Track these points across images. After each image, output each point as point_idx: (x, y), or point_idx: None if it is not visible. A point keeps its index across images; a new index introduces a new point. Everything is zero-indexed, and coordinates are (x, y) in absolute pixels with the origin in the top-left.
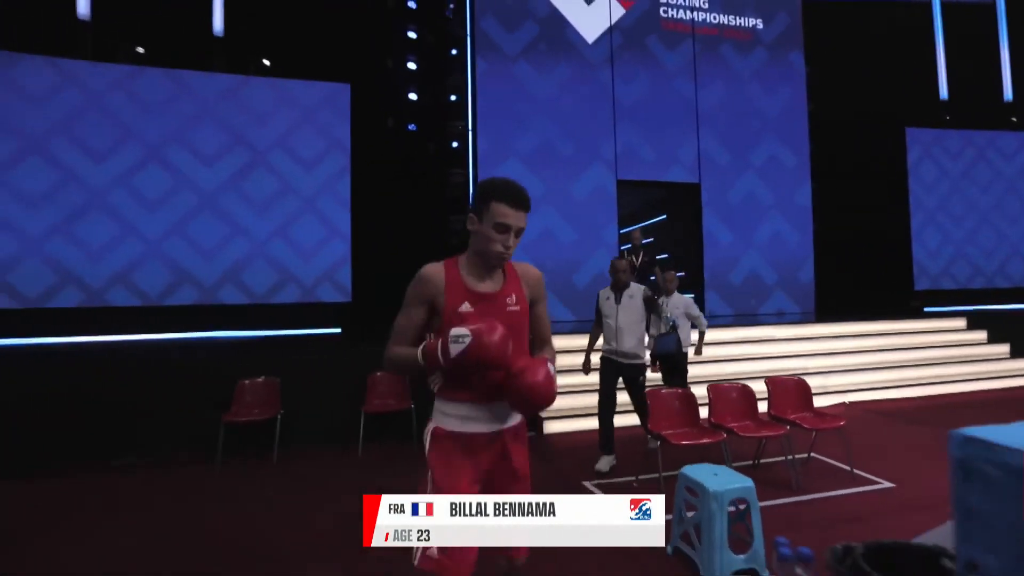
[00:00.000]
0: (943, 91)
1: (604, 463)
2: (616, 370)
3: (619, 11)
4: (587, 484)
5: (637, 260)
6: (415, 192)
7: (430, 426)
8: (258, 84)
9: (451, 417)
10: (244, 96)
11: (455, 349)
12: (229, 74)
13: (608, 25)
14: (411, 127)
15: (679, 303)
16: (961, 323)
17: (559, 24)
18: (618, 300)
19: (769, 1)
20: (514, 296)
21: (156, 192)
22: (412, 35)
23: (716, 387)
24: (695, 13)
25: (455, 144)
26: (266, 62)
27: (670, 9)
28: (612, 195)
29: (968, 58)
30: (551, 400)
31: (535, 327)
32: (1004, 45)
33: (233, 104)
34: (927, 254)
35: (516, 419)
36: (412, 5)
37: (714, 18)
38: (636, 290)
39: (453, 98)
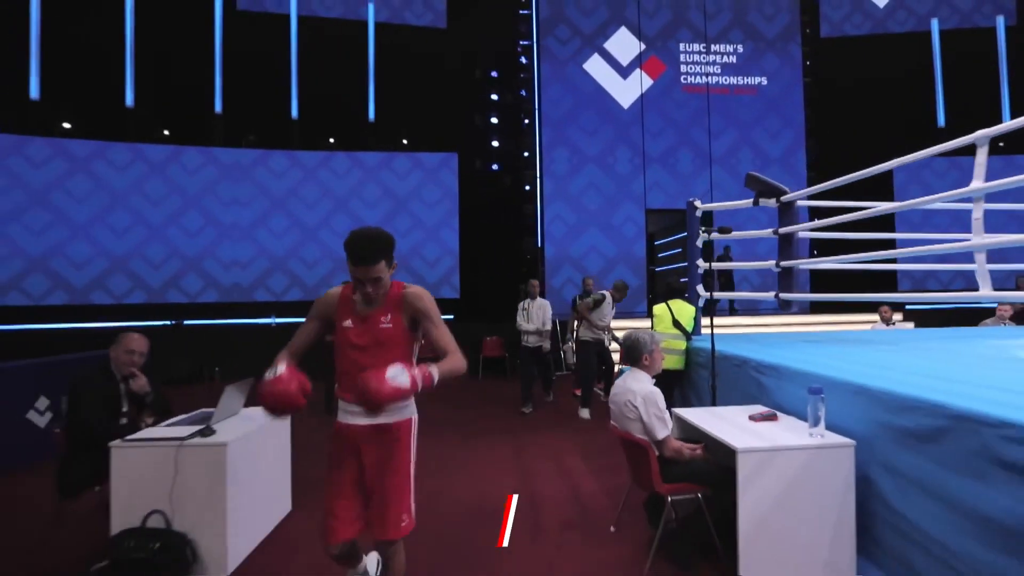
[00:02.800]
0: (940, 119)
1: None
2: (598, 350)
3: (648, 82)
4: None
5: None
6: (501, 221)
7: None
8: (400, 157)
9: (344, 412)
10: (392, 165)
11: (267, 376)
12: (382, 152)
13: (640, 93)
14: (495, 167)
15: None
16: (898, 316)
17: (601, 95)
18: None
19: (773, 61)
20: (388, 316)
21: (343, 229)
22: (495, 97)
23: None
24: (709, 77)
25: (528, 187)
26: (404, 141)
27: (689, 76)
28: (641, 220)
29: (967, 84)
30: (380, 398)
31: (431, 343)
32: (1003, 69)
33: (385, 170)
34: (911, 261)
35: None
36: (494, 74)
37: (725, 80)
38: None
39: (526, 154)
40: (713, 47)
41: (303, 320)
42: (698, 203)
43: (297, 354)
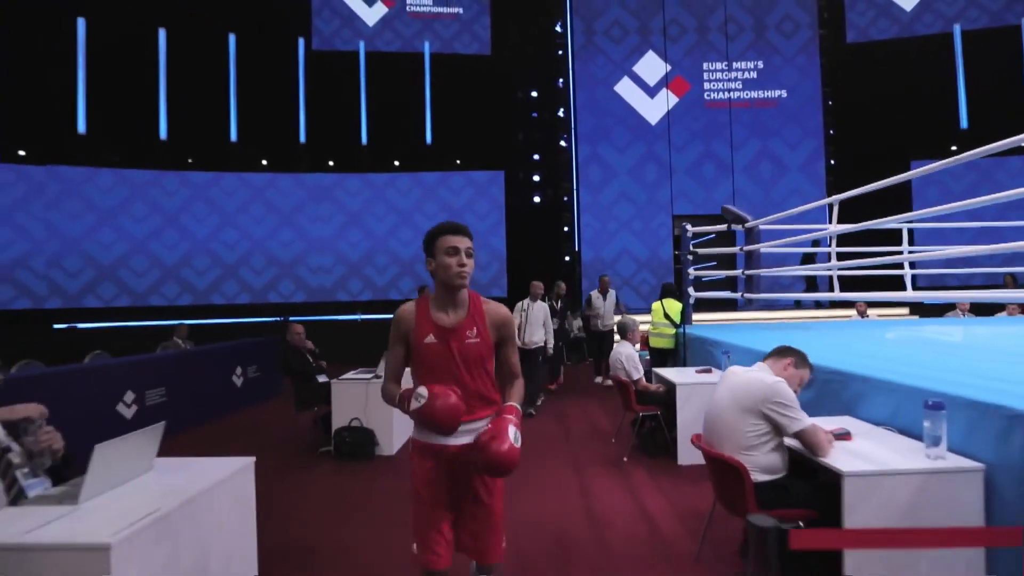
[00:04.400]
0: (963, 121)
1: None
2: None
3: (674, 99)
4: None
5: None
6: (542, 229)
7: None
8: (455, 176)
9: (427, 435)
10: (448, 183)
11: (414, 404)
12: (439, 172)
13: (666, 111)
14: (536, 179)
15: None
16: (905, 311)
17: (630, 114)
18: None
19: (792, 75)
20: (475, 329)
21: (408, 239)
22: (535, 115)
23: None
24: (731, 93)
25: (565, 198)
26: (458, 161)
27: (712, 92)
28: (668, 225)
29: (991, 85)
30: (513, 468)
31: (503, 366)
32: None
33: (442, 188)
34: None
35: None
36: (534, 94)
37: (746, 95)
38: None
39: (564, 168)
40: (734, 65)
41: (380, 315)
42: (688, 226)
43: (399, 381)
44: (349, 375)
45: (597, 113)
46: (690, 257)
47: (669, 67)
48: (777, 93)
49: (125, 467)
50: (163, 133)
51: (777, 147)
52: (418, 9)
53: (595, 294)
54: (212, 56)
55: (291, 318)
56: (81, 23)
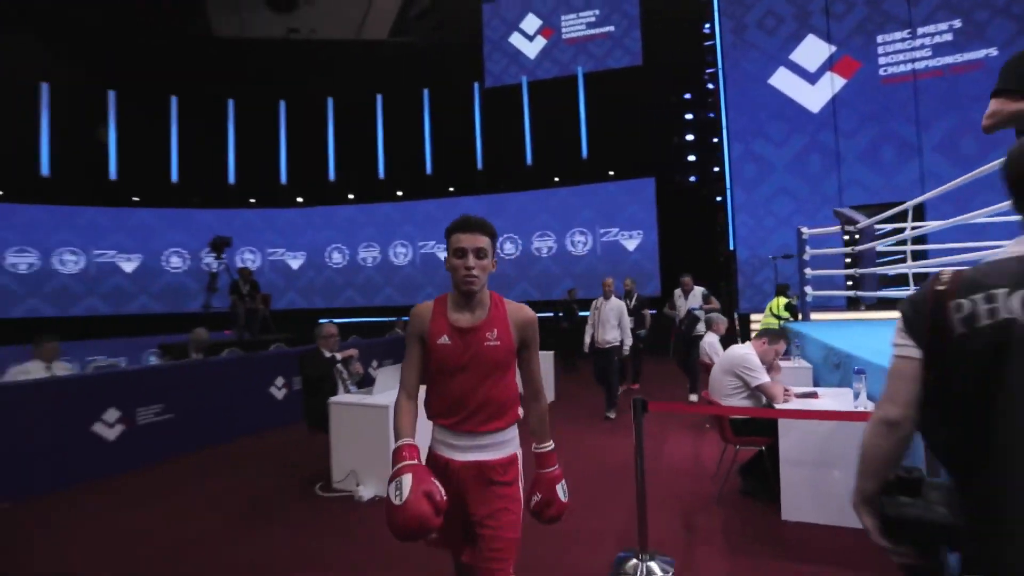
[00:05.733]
0: None
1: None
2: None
3: (840, 82)
4: None
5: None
6: (696, 229)
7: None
8: (608, 186)
9: (438, 442)
10: (602, 192)
11: (391, 493)
12: (594, 183)
13: (831, 96)
14: (692, 179)
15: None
16: None
17: (788, 105)
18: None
19: (1005, 27)
20: (495, 331)
21: (572, 244)
22: (689, 116)
23: None
24: (915, 64)
25: (719, 198)
26: (611, 172)
27: (889, 67)
28: (834, 218)
29: None
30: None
31: (525, 374)
32: None
33: (596, 198)
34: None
35: (498, 454)
36: (687, 96)
37: (937, 62)
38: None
39: (716, 168)
40: (920, 30)
41: (541, 314)
42: (804, 229)
43: (415, 390)
44: None
45: (749, 109)
46: (807, 258)
47: (834, 48)
48: (983, 53)
49: (389, 380)
50: (381, 173)
51: (980, 115)
52: (573, 34)
53: (677, 293)
54: (412, 109)
55: None
56: (330, 102)
